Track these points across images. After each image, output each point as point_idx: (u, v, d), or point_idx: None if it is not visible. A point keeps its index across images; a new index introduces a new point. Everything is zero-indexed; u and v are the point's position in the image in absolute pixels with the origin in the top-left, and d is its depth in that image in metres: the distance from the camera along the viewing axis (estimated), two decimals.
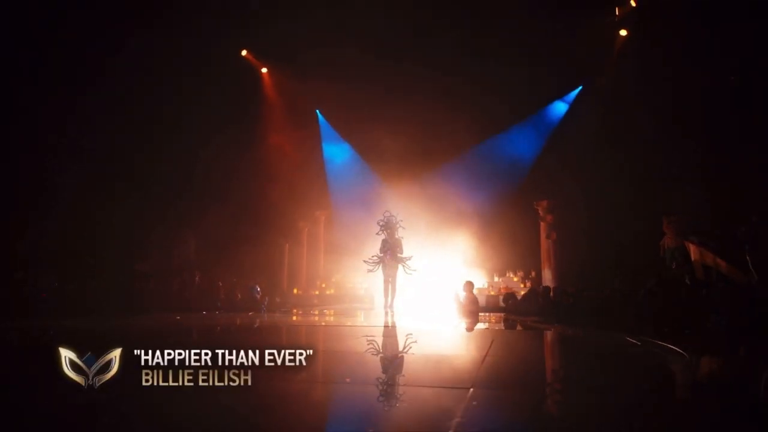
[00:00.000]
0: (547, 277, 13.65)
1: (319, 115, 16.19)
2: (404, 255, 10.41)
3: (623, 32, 12.91)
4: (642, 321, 7.08)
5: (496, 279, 14.03)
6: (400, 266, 10.39)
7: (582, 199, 12.69)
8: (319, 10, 12.57)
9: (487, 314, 11.07)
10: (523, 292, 12.46)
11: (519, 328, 8.14)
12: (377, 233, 10.61)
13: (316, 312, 11.17)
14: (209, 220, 13.10)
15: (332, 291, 14.67)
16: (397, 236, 10.48)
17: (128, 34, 11.85)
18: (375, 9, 12.39)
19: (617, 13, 12.50)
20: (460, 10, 12.54)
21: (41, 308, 9.05)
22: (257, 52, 14.95)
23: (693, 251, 8.32)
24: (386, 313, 9.89)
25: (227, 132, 13.19)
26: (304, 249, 15.83)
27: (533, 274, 14.60)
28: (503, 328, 8.25)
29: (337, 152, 16.37)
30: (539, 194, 14.26)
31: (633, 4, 12.20)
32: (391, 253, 10.31)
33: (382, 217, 10.60)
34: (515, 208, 14.37)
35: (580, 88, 14.46)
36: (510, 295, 11.72)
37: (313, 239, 16.11)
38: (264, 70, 15.28)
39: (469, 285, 11.28)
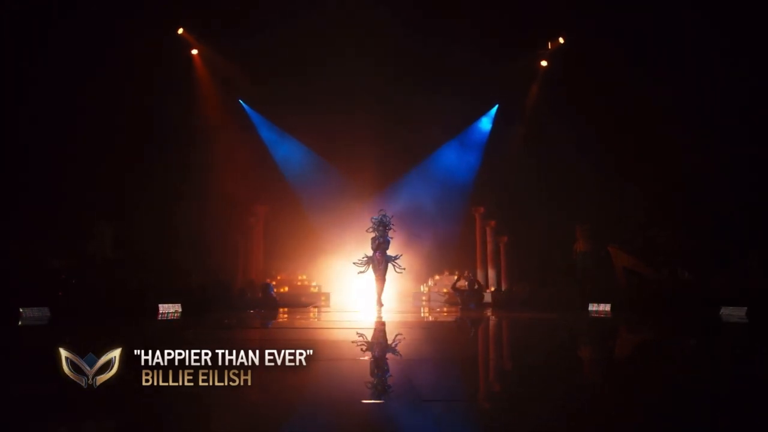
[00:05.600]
0: (492, 276, 14.04)
1: (244, 105, 14.61)
2: (392, 254, 10.29)
3: (544, 63, 13.61)
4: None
5: (437, 277, 14.24)
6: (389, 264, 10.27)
7: (514, 206, 13.22)
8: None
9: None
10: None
11: None
12: (367, 230, 10.32)
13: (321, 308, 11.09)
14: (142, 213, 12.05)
15: (286, 289, 14.15)
16: (387, 236, 10.28)
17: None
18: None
19: (549, 47, 13.16)
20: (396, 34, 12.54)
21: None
22: (195, 33, 13.27)
23: (613, 255, 8.84)
24: (379, 309, 9.74)
25: (162, 120, 12.21)
26: (255, 246, 14.65)
27: (467, 273, 14.93)
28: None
29: (278, 145, 14.90)
30: (476, 201, 14.62)
31: (561, 41, 12.88)
32: (381, 251, 10.05)
33: (376, 216, 10.33)
34: (450, 214, 14.65)
35: (497, 106, 15.01)
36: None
37: (255, 236, 14.70)
38: (194, 51, 13.43)
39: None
